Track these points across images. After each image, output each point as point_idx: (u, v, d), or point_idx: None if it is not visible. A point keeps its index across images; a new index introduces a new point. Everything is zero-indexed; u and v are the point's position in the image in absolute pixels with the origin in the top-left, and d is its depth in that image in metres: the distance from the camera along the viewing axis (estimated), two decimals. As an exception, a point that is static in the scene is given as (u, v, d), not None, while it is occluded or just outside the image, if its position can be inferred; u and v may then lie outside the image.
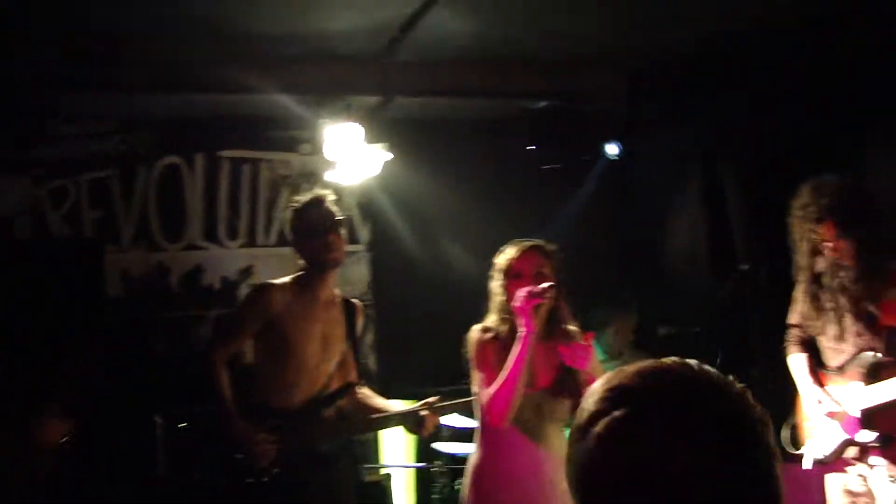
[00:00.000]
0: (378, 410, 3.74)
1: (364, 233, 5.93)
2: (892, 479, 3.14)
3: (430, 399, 3.61)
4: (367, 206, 5.89)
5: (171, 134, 5.38)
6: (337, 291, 3.76)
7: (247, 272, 5.57)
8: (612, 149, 5.86)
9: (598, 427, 1.14)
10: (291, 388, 3.54)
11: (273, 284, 3.62)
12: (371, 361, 5.80)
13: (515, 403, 3.05)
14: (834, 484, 3.37)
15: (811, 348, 3.50)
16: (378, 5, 4.20)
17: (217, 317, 5.38)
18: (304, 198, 3.72)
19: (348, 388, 3.69)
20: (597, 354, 5.48)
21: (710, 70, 5.08)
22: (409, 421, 3.62)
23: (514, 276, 3.18)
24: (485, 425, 3.23)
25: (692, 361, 1.19)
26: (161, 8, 4.03)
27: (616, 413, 1.14)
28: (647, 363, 1.21)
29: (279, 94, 4.97)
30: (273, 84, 4.89)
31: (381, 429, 3.84)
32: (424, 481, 5.33)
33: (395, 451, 5.71)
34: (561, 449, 3.19)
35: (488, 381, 3.12)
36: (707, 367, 1.21)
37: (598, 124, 5.82)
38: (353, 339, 3.75)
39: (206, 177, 5.50)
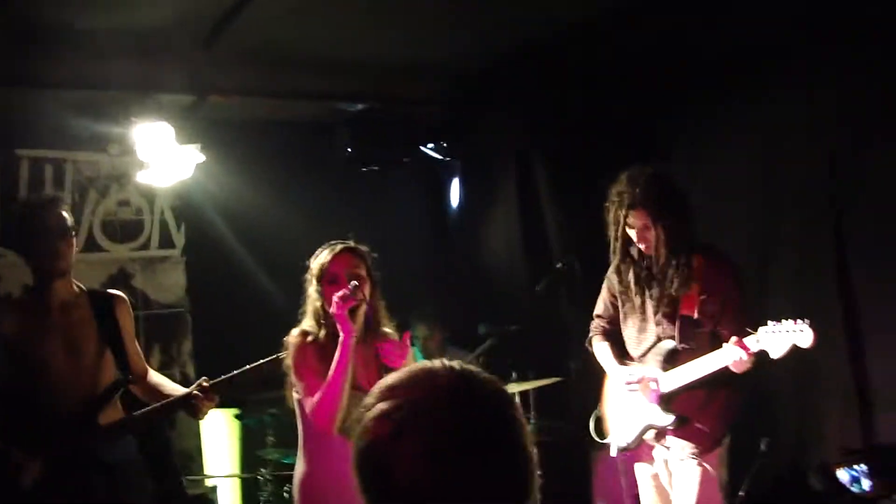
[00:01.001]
0: (169, 397, 3.55)
1: (178, 237, 5.71)
2: (691, 456, 3.33)
3: (203, 379, 3.46)
4: (181, 209, 5.68)
5: (-38, 131, 4.96)
6: (77, 289, 3.50)
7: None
8: (431, 151, 5.97)
9: (365, 419, 1.27)
10: (55, 400, 3.34)
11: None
12: (189, 369, 5.61)
13: (342, 408, 3.04)
14: (642, 471, 3.55)
15: (614, 339, 3.64)
16: (192, 3, 4.06)
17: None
18: (32, 198, 3.49)
19: (117, 386, 3.47)
20: (417, 358, 5.61)
21: (522, 72, 5.26)
22: (183, 405, 3.45)
23: (329, 280, 3.17)
24: (309, 433, 3.19)
25: (456, 363, 1.30)
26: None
27: (382, 405, 1.25)
28: (417, 365, 1.32)
29: (86, 90, 4.71)
30: (80, 78, 4.63)
31: (157, 418, 3.66)
32: (251, 490, 5.22)
33: (220, 461, 5.56)
34: None
35: (311, 388, 3.09)
36: (469, 366, 1.31)
37: (418, 127, 5.90)
38: (112, 332, 3.50)
39: (4, 178, 5.10)
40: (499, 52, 5.17)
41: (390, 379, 1.30)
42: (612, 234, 3.48)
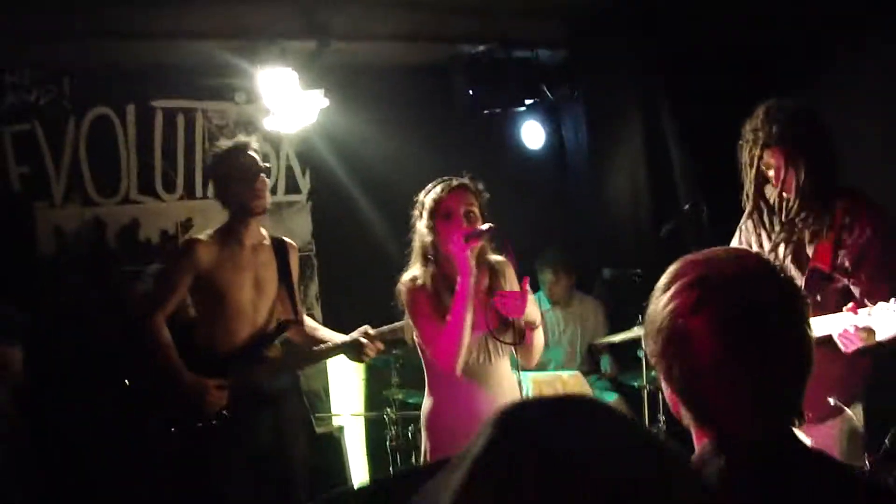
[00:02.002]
0: (325, 341, 3.85)
1: (304, 182, 5.83)
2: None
3: (366, 327, 3.70)
4: (305, 154, 5.79)
5: (100, 84, 5.14)
6: (264, 233, 3.82)
7: (186, 225, 5.44)
8: (554, 93, 5.84)
9: (661, 317, 1.31)
10: (231, 333, 3.65)
11: (197, 240, 3.68)
12: (316, 311, 5.76)
13: (464, 348, 3.03)
14: None
15: None
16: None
17: (152, 275, 5.27)
18: (225, 144, 3.73)
19: (287, 326, 3.79)
20: (543, 304, 5.57)
21: (645, 9, 5.05)
22: (350, 349, 3.72)
23: (443, 215, 3.10)
24: (433, 374, 3.21)
25: (763, 254, 1.33)
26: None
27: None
28: (720, 249, 1.39)
29: (211, 41, 4.81)
30: (204, 30, 4.73)
31: (323, 359, 4.09)
32: (377, 430, 5.35)
33: (346, 401, 5.72)
34: (510, 388, 3.21)
35: (429, 332, 3.09)
36: (776, 264, 1.40)
37: (540, 68, 5.77)
38: (287, 277, 3.82)
39: (139, 128, 5.31)
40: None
41: (697, 255, 1.37)
42: (745, 176, 3.15)
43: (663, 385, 1.35)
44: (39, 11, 4.34)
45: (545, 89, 5.84)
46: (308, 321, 4.03)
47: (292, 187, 5.80)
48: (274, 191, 5.73)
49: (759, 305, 1.26)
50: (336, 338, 3.86)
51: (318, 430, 5.34)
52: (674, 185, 5.42)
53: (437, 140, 5.72)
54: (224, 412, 3.57)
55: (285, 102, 4.83)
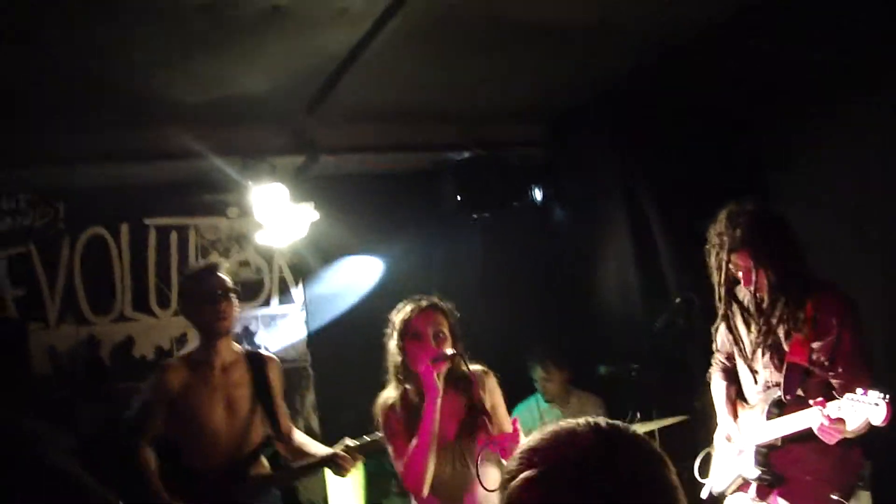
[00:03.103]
0: (312, 455, 3.83)
1: (297, 293, 5.87)
2: None
3: (345, 440, 3.70)
4: (298, 266, 5.85)
5: (94, 204, 5.25)
6: (238, 349, 3.82)
7: (181, 340, 5.45)
8: (537, 193, 5.96)
9: (511, 487, 1.21)
10: (208, 454, 3.63)
11: (167, 365, 3.73)
12: (313, 421, 5.71)
13: (430, 469, 3.02)
14: None
15: (733, 375, 3.42)
16: (295, 68, 4.21)
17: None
18: (194, 266, 3.82)
19: (269, 442, 3.76)
20: (541, 402, 5.55)
21: (622, 106, 5.21)
22: (329, 464, 3.70)
23: (411, 336, 3.14)
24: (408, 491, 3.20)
25: (602, 421, 1.26)
26: (77, 74, 3.97)
27: (527, 473, 1.20)
28: (561, 426, 1.27)
29: (203, 159, 4.93)
30: (196, 149, 4.86)
31: (304, 476, 3.95)
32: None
33: (345, 510, 5.61)
34: (484, 494, 3.18)
35: (399, 451, 3.10)
36: (616, 424, 1.27)
37: (522, 170, 5.91)
38: (264, 393, 3.80)
39: (133, 246, 5.39)
40: (595, 89, 5.16)
41: (533, 442, 1.27)
42: (715, 279, 3.23)
43: None
44: (34, 136, 4.46)
45: (531, 190, 5.96)
46: (297, 435, 3.99)
47: (286, 299, 5.83)
48: (268, 302, 5.77)
49: (598, 485, 1.18)
50: (322, 451, 3.83)
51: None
52: (663, 278, 5.48)
53: (426, 246, 5.80)
54: None
55: (276, 216, 4.92)
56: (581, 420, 1.27)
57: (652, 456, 1.25)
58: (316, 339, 5.85)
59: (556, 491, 1.19)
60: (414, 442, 3.03)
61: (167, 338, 5.40)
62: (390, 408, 3.18)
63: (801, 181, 4.64)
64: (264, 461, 3.80)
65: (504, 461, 3.04)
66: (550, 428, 1.28)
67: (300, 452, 3.86)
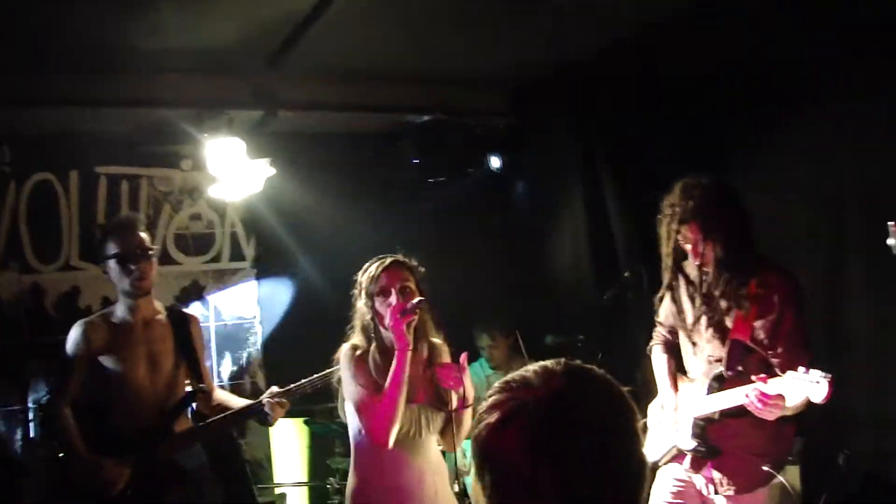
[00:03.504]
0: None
1: (248, 250, 5.83)
2: (727, 491, 3.11)
3: (272, 389, 3.67)
4: (251, 222, 5.80)
5: (43, 150, 5.13)
6: (159, 306, 3.75)
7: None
8: (495, 161, 5.97)
9: (480, 428, 1.31)
10: (132, 411, 3.55)
11: (85, 323, 3.59)
12: (259, 378, 5.71)
13: (398, 421, 3.06)
14: (660, 484, 3.36)
15: (674, 349, 3.46)
16: (259, 20, 4.15)
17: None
18: (112, 220, 3.68)
19: (191, 397, 3.70)
20: (485, 368, 5.62)
21: (584, 79, 5.22)
22: (255, 414, 3.68)
23: (378, 293, 3.17)
24: (362, 445, 3.20)
25: (576, 365, 1.34)
26: (34, 20, 3.86)
27: (496, 414, 1.29)
28: (536, 366, 1.35)
29: (159, 109, 4.84)
30: (153, 98, 4.77)
31: (228, 427, 3.89)
32: (319, 499, 5.28)
33: (289, 470, 5.64)
34: (435, 460, 3.23)
35: (365, 402, 3.11)
36: (591, 371, 1.35)
37: (482, 137, 5.91)
38: (187, 349, 3.73)
39: (82, 194, 5.28)
40: (559, 60, 5.16)
41: (511, 375, 1.36)
42: (663, 249, 3.25)
43: (481, 495, 1.35)
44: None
45: (489, 157, 5.97)
46: (219, 392, 3.94)
47: (237, 255, 5.79)
48: (218, 258, 5.72)
49: (566, 424, 1.26)
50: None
51: (260, 499, 5.25)
52: (615, 251, 5.55)
53: (382, 206, 5.79)
54: (128, 490, 3.44)
55: (232, 171, 4.86)
56: (556, 361, 1.35)
57: (617, 402, 1.32)
58: (266, 296, 5.83)
59: (513, 416, 1.27)
60: (385, 390, 3.05)
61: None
62: (359, 357, 3.18)
63: (759, 162, 4.70)
64: (188, 417, 3.75)
65: (448, 389, 3.12)
66: (530, 366, 1.36)
67: (222, 409, 3.79)
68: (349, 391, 3.17)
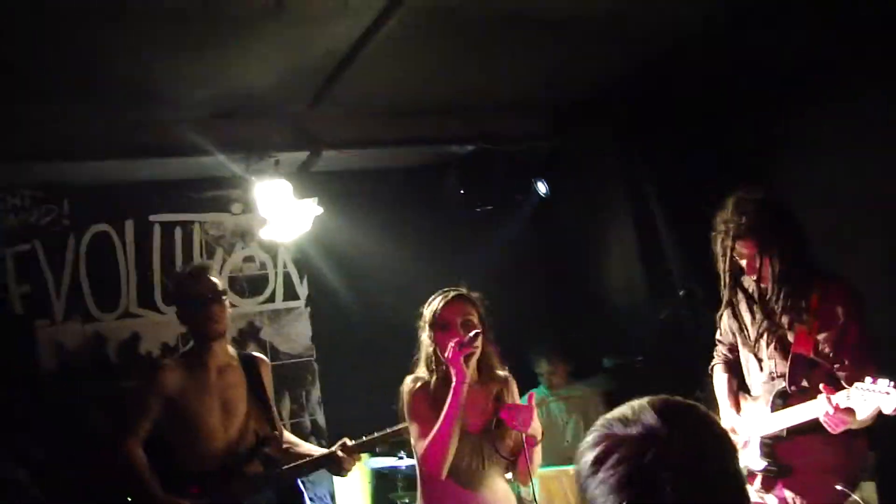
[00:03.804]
0: (304, 456, 3.81)
1: (301, 289, 5.88)
2: None
3: (344, 441, 3.69)
4: (302, 261, 5.86)
5: (98, 201, 5.28)
6: (232, 352, 3.81)
7: (187, 337, 5.42)
8: (541, 186, 5.95)
9: (578, 465, 1.32)
10: (204, 455, 3.60)
11: (163, 365, 3.70)
12: (319, 416, 5.73)
13: (451, 453, 3.05)
14: None
15: (736, 367, 3.41)
16: (299, 62, 4.22)
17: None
18: (183, 269, 3.79)
19: (266, 441, 3.73)
20: (541, 394, 5.57)
21: (625, 98, 5.19)
22: (328, 463, 3.70)
23: (441, 326, 3.19)
24: (424, 476, 3.22)
25: (676, 400, 1.35)
26: (81, 70, 3.98)
27: (587, 457, 1.30)
28: (635, 403, 1.36)
29: (207, 156, 4.94)
30: (200, 145, 4.87)
31: (302, 475, 3.94)
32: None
33: (353, 505, 5.63)
34: (500, 491, 3.21)
35: (423, 433, 3.12)
36: (688, 406, 1.36)
37: (526, 163, 5.91)
38: (259, 394, 3.79)
39: (138, 243, 5.41)
40: (599, 80, 5.14)
41: (612, 413, 1.37)
42: (720, 266, 3.22)
43: None
44: (38, 130, 4.47)
45: (535, 184, 5.96)
46: (288, 436, 3.99)
47: (290, 294, 5.84)
48: (273, 298, 5.78)
49: (659, 463, 1.25)
50: (315, 452, 3.84)
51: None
52: (668, 270, 5.48)
53: (430, 239, 5.82)
54: None
55: (280, 212, 4.92)
56: (656, 398, 1.36)
57: (710, 434, 1.32)
58: (321, 334, 5.86)
59: (605, 456, 1.27)
60: (439, 422, 3.06)
61: (173, 335, 5.41)
62: (419, 389, 3.21)
63: (806, 172, 4.61)
64: (258, 461, 3.78)
65: (513, 430, 3.10)
66: (629, 403, 1.36)
67: (292, 453, 3.85)
68: (408, 421, 3.19)
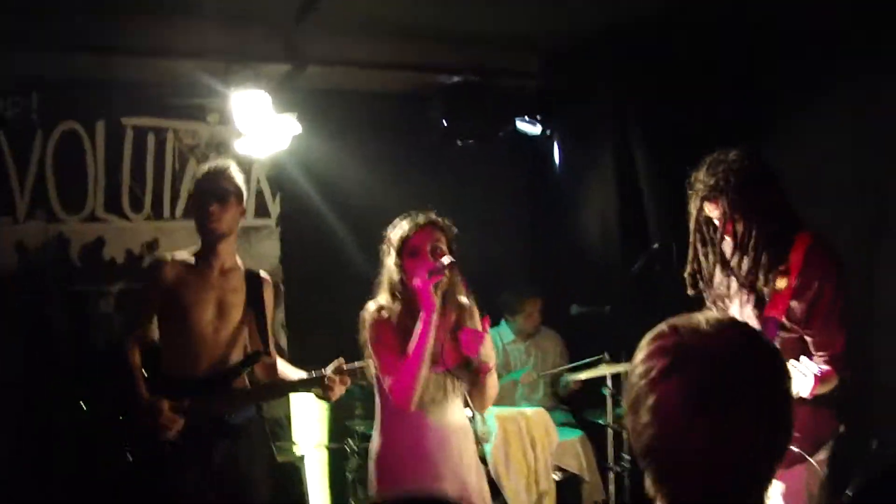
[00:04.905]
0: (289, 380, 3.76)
1: (273, 207, 5.77)
2: None
3: (337, 362, 3.57)
4: (277, 178, 5.74)
5: (69, 99, 5.08)
6: (239, 262, 3.76)
7: (152, 245, 5.36)
8: (528, 126, 5.85)
9: (640, 369, 1.31)
10: (193, 357, 3.56)
11: (165, 259, 3.64)
12: (282, 339, 5.68)
13: (420, 385, 3.00)
14: None
15: None
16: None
17: (119, 293, 5.18)
18: (205, 167, 3.71)
19: (255, 357, 3.68)
20: (505, 336, 5.57)
21: (620, 46, 5.08)
22: (316, 386, 3.60)
23: (410, 252, 3.10)
24: (386, 407, 3.16)
25: (740, 322, 1.35)
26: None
27: (654, 362, 1.29)
28: (704, 315, 1.34)
29: (186, 60, 4.78)
30: (180, 49, 4.70)
31: (288, 393, 3.92)
32: (338, 460, 5.26)
33: (308, 431, 5.63)
34: (462, 426, 3.17)
35: (388, 364, 3.06)
36: (754, 331, 1.37)
37: (514, 100, 5.80)
38: (257, 308, 3.72)
39: (108, 145, 5.24)
40: (596, 25, 5.03)
41: (675, 320, 1.36)
42: (690, 224, 3.18)
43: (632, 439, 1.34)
44: (8, 22, 4.29)
45: (519, 121, 5.86)
46: (282, 364, 3.89)
47: (262, 211, 5.74)
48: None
49: (732, 380, 1.25)
50: (301, 376, 3.75)
51: (279, 459, 5.24)
52: (645, 223, 5.43)
53: (410, 168, 5.71)
54: (180, 438, 3.45)
55: (258, 125, 4.79)
56: (721, 316, 1.36)
57: (776, 363, 1.33)
58: (290, 255, 5.78)
59: (679, 364, 1.26)
60: (409, 353, 3.00)
61: (138, 242, 5.32)
62: (385, 319, 3.12)
63: (798, 133, 4.55)
64: (244, 376, 3.73)
65: (466, 354, 3.05)
66: (696, 316, 1.35)
67: (275, 374, 3.77)
68: (373, 353, 3.13)
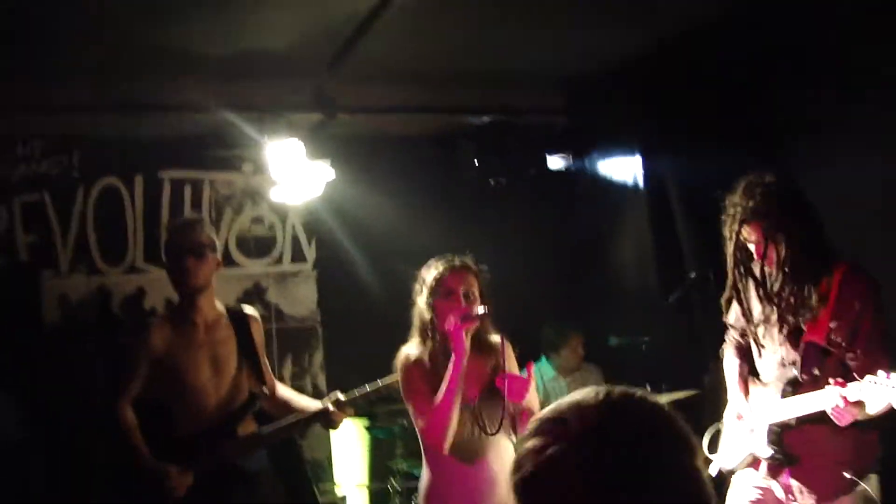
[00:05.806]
0: (300, 410, 3.76)
1: (309, 252, 5.85)
2: (807, 501, 3.00)
3: (336, 393, 3.66)
4: (312, 224, 5.82)
5: (109, 155, 5.23)
6: (220, 308, 3.71)
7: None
8: (557, 161, 5.88)
9: (519, 453, 1.23)
10: (194, 414, 3.55)
11: (151, 323, 3.64)
12: (321, 380, 5.72)
13: (453, 427, 3.02)
14: (737, 490, 3.25)
15: (746, 351, 3.34)
16: (318, 24, 4.16)
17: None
18: (172, 221, 3.73)
19: (253, 401, 3.69)
20: (546, 373, 5.54)
21: (646, 78, 5.11)
22: (319, 418, 3.66)
23: (443, 294, 3.11)
24: (427, 449, 3.18)
25: (608, 392, 1.24)
26: (98, 25, 3.93)
27: (533, 442, 1.20)
28: (571, 398, 1.25)
29: (220, 113, 4.89)
30: (214, 102, 4.82)
31: (293, 432, 3.89)
32: (380, 500, 5.27)
33: (350, 471, 5.64)
34: (507, 456, 3.17)
35: (419, 410, 3.08)
36: (628, 395, 1.25)
37: (542, 137, 5.84)
38: (249, 350, 3.71)
39: (147, 198, 5.37)
40: (619, 58, 5.07)
41: (545, 412, 1.26)
42: (727, 249, 3.14)
43: None
44: (51, 82, 4.43)
45: (550, 157, 5.89)
46: (282, 390, 3.91)
47: (298, 257, 5.81)
48: (280, 260, 5.76)
49: (601, 466, 1.16)
50: (312, 406, 3.76)
51: (321, 500, 5.25)
52: (680, 252, 5.41)
53: (442, 209, 5.76)
54: (191, 496, 3.45)
55: (292, 173, 4.87)
56: (591, 390, 1.25)
57: (658, 421, 1.22)
58: (327, 298, 5.83)
59: (553, 464, 1.18)
60: (438, 398, 3.01)
61: (177, 291, 5.40)
62: (414, 363, 3.14)
63: (827, 155, 4.52)
64: (251, 420, 3.73)
65: (508, 401, 3.04)
66: (561, 401, 1.26)
67: (287, 408, 3.78)
68: (406, 398, 3.15)
